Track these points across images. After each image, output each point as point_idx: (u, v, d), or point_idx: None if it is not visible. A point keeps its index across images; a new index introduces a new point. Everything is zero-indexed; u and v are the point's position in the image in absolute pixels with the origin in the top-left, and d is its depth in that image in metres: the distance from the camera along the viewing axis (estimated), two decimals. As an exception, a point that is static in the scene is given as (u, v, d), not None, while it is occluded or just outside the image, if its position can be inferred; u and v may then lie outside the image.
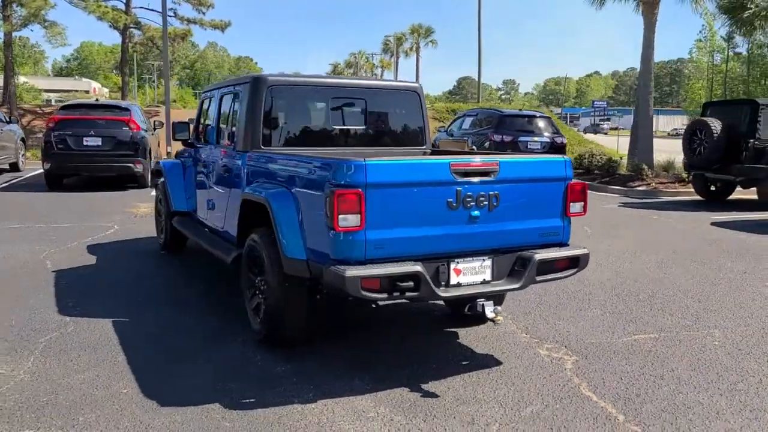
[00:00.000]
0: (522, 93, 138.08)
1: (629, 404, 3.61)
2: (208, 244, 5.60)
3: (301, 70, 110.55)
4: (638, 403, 3.62)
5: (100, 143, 12.69)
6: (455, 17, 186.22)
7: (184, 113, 27.05)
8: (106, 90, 68.39)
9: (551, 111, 51.65)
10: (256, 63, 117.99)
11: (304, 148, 5.05)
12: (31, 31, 43.15)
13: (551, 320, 5.11)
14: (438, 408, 3.55)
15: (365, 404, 3.58)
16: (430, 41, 64.27)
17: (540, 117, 16.55)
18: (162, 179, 7.11)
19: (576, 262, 4.18)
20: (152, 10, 30.46)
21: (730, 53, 29.91)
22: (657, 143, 17.12)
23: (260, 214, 4.39)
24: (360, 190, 3.52)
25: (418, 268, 3.62)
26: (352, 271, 3.49)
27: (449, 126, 18.70)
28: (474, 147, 14.80)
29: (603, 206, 12.16)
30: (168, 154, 17.39)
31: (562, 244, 4.24)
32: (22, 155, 16.99)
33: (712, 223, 10.16)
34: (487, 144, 14.96)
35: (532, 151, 14.56)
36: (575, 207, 4.22)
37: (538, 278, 4.03)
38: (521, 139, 15.10)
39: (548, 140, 15.39)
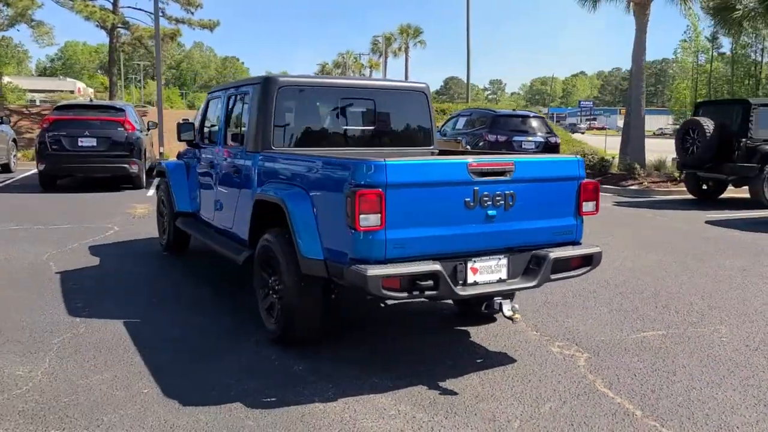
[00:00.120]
0: (509, 93, 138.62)
1: (645, 400, 3.67)
2: (217, 245, 5.60)
3: (289, 70, 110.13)
4: (654, 399, 3.68)
5: (95, 144, 12.62)
6: (442, 16, 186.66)
7: (173, 114, 26.92)
8: (91, 90, 67.67)
9: (540, 110, 51.91)
10: (242, 63, 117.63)
11: (313, 149, 5.07)
12: (18, 30, 42.79)
13: (560, 318, 5.17)
14: (458, 405, 3.59)
15: (386, 402, 3.61)
16: (419, 41, 64.33)
17: (534, 117, 16.64)
18: (165, 180, 7.09)
19: (589, 261, 4.25)
20: (140, 9, 30.30)
21: (715, 53, 30.29)
22: (645, 142, 17.25)
23: (274, 215, 4.41)
24: (380, 190, 3.56)
25: (437, 267, 3.66)
26: (373, 271, 3.53)
27: (442, 126, 18.74)
28: (468, 147, 14.88)
29: (598, 205, 12.23)
30: (161, 154, 17.30)
31: (575, 243, 4.30)
32: (14, 156, 16.84)
33: (707, 222, 10.30)
34: (481, 144, 15.02)
35: (526, 151, 14.63)
36: (588, 206, 4.30)
37: (553, 276, 4.08)
38: (515, 138, 15.17)
39: (542, 140, 15.48)
